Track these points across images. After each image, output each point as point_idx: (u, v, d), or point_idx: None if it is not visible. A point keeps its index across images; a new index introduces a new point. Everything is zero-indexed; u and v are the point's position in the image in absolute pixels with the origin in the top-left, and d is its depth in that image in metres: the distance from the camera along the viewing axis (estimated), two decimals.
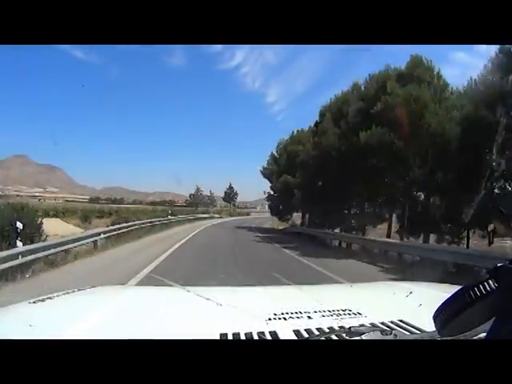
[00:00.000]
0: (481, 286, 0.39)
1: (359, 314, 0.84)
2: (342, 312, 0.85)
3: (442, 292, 0.81)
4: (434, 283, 1.33)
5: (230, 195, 64.28)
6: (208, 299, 0.91)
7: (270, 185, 23.29)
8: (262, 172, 23.59)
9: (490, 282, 0.39)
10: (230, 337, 0.69)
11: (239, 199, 68.47)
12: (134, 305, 1.05)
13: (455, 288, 0.43)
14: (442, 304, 0.43)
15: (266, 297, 1.21)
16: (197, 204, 51.86)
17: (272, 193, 23.67)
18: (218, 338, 0.68)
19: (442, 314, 0.42)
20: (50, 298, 0.99)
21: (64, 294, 1.06)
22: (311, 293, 1.09)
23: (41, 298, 0.97)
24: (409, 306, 0.93)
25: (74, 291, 1.12)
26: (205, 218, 30.03)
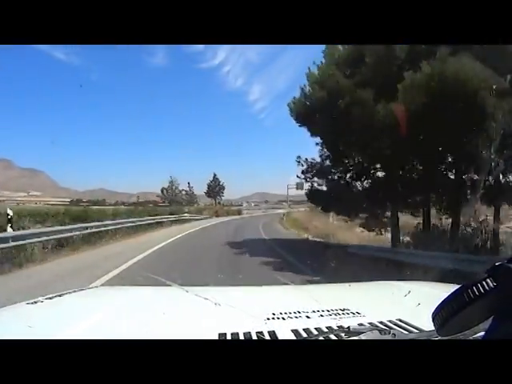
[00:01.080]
0: (479, 285, 0.39)
1: (358, 313, 0.84)
2: (340, 312, 0.85)
3: (441, 291, 0.82)
4: (432, 282, 1.35)
5: (214, 189, 48.78)
6: (206, 299, 0.91)
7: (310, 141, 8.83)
8: (292, 109, 8.75)
9: (489, 280, 0.39)
10: (228, 337, 0.68)
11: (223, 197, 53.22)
12: (132, 305, 1.05)
13: (454, 287, 0.43)
14: (441, 303, 0.43)
15: (264, 296, 1.21)
16: (170, 201, 37.07)
17: (319, 160, 9.19)
18: (217, 337, 0.68)
19: (441, 313, 0.43)
20: (49, 298, 0.99)
21: (63, 294, 1.06)
22: (310, 292, 1.10)
23: (40, 298, 0.97)
24: (407, 305, 0.93)
25: (73, 292, 1.11)
26: (172, 223, 17.02)
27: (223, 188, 50.53)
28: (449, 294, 0.42)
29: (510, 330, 0.39)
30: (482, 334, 0.44)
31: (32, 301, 0.95)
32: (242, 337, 0.69)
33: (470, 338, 0.52)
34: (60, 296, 1.04)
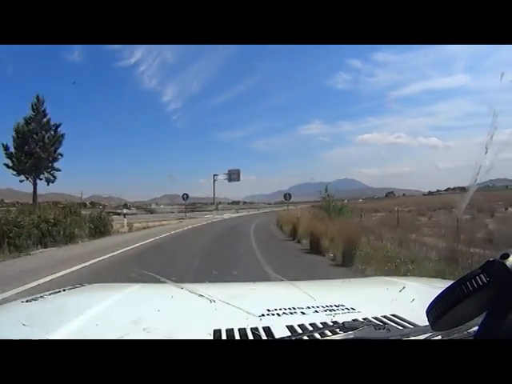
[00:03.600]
0: (473, 281, 0.40)
1: (353, 309, 0.84)
2: (335, 307, 0.85)
3: (435, 287, 0.83)
4: (426, 278, 1.36)
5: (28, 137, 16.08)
6: (201, 296, 0.91)
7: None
8: None
9: (482, 276, 0.39)
10: (223, 333, 0.69)
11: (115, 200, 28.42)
12: (127, 302, 1.05)
13: (447, 283, 0.44)
14: (435, 299, 0.43)
15: (259, 293, 1.21)
16: None
17: None
18: (212, 333, 0.68)
19: (435, 309, 0.43)
20: (43, 296, 0.99)
21: (57, 292, 1.07)
22: (304, 288, 1.10)
23: (34, 296, 0.97)
24: (402, 301, 0.93)
25: (66, 289, 1.12)
26: None
27: (57, 139, 17.97)
28: (443, 289, 0.43)
29: (502, 325, 0.39)
30: (476, 328, 0.45)
31: (27, 299, 0.95)
32: (236, 333, 0.69)
33: (464, 332, 0.53)
34: (54, 294, 1.04)
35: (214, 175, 30.65)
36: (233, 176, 30.80)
